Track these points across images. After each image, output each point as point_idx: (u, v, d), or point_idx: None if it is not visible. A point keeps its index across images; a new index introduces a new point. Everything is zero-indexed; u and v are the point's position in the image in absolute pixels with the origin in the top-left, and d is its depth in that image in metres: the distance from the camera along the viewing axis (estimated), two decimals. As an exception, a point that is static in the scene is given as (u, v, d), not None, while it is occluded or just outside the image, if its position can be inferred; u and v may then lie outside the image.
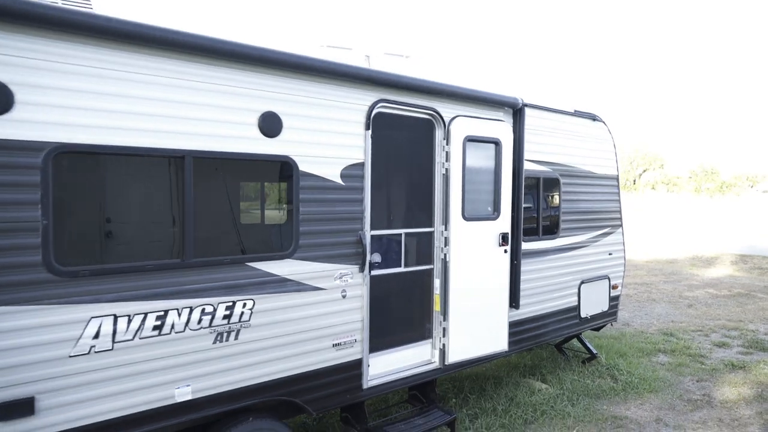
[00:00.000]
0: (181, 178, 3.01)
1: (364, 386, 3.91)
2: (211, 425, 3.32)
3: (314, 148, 3.56)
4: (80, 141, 2.68)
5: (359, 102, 3.79)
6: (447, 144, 4.29)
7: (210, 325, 3.14)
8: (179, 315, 3.02)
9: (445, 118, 4.32)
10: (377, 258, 4.07)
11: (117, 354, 2.83)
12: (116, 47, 2.79)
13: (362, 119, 3.81)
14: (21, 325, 2.54)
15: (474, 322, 4.50)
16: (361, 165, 3.82)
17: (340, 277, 3.73)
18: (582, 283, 5.82)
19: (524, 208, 5.12)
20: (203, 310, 3.11)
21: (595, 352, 6.46)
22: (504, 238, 4.65)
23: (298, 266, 3.51)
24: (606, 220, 6.11)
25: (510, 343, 4.90)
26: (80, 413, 2.73)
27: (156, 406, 2.97)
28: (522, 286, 5.07)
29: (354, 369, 3.84)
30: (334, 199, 3.68)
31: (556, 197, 5.50)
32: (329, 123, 3.63)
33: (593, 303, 6.00)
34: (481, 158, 4.57)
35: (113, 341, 2.81)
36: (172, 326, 3.00)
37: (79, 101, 2.68)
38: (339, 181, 3.70)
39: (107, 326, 2.79)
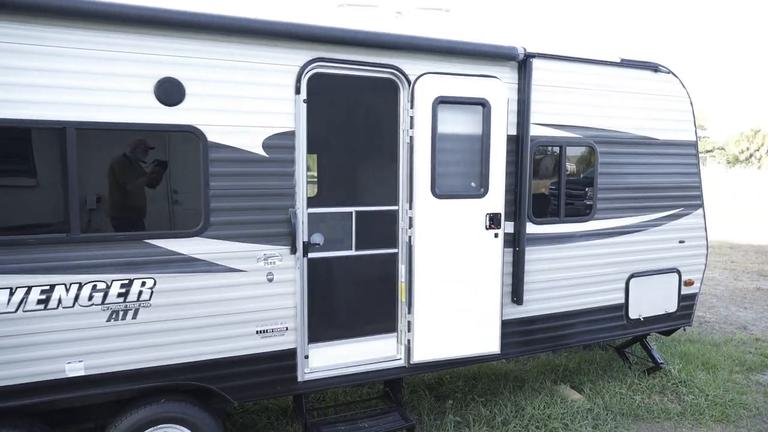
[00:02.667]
0: (64, 151, 2.92)
1: (300, 379, 3.57)
2: (127, 403, 3.28)
3: (227, 117, 3.24)
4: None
5: (284, 62, 3.35)
6: (411, 107, 3.64)
7: (103, 303, 3.05)
8: (67, 290, 2.98)
9: (410, 78, 3.66)
10: (318, 239, 3.64)
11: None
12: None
13: (291, 82, 3.37)
14: None
15: (449, 316, 3.85)
16: (291, 134, 3.40)
17: (265, 259, 3.40)
18: (632, 276, 4.69)
19: (536, 183, 4.23)
20: (94, 286, 3.03)
21: (660, 361, 5.23)
22: (493, 219, 3.87)
23: (208, 245, 3.26)
24: (674, 198, 4.82)
25: (505, 345, 4.13)
26: (-37, 379, 2.84)
27: (45, 378, 2.98)
28: (530, 277, 4.22)
29: (285, 359, 3.52)
30: (255, 173, 3.34)
31: (590, 170, 4.45)
32: (245, 88, 3.27)
33: (651, 302, 4.82)
34: (460, 123, 3.82)
35: (-6, 313, 2.86)
36: (59, 301, 2.97)
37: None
38: (261, 152, 3.34)
39: (-13, 298, 2.84)
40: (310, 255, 3.60)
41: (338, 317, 3.76)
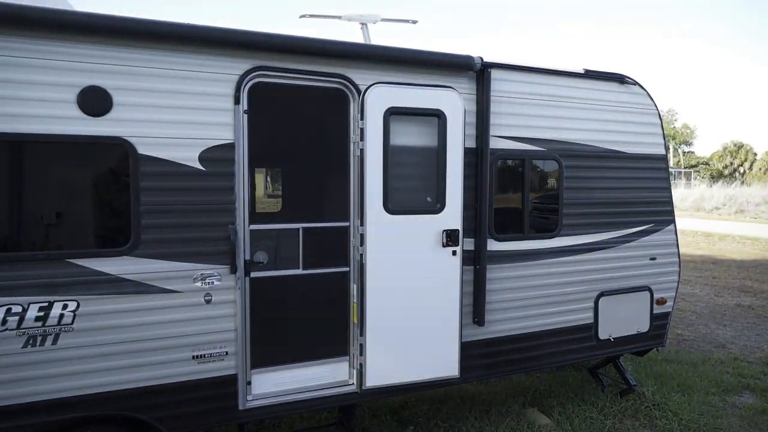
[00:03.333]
0: (-25, 164, 2.72)
1: (241, 407, 3.33)
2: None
3: (159, 128, 3.05)
4: None
5: (223, 71, 3.17)
6: (361, 119, 3.47)
7: (18, 327, 2.82)
8: (-23, 314, 2.75)
9: (360, 88, 3.50)
10: (261, 258, 3.43)
11: None
12: None
13: (230, 92, 3.19)
14: None
15: (404, 339, 3.64)
16: (231, 147, 3.21)
17: (203, 279, 3.19)
18: (601, 295, 4.51)
19: (499, 198, 4.06)
20: (9, 309, 2.80)
21: (633, 383, 5.03)
22: (450, 236, 3.69)
23: (138, 265, 3.04)
24: (644, 214, 4.67)
25: (466, 368, 3.92)
26: None
27: (-48, 411, 2.74)
28: (492, 297, 4.03)
29: (225, 386, 3.28)
30: (191, 187, 3.14)
31: (554, 184, 4.29)
32: (180, 98, 3.08)
33: (622, 322, 4.63)
34: (415, 135, 3.66)
35: None
36: (-32, 326, 2.74)
37: None
38: (197, 166, 3.14)
39: None
40: (253, 274, 3.39)
41: (285, 340, 3.54)
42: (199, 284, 3.18)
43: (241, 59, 3.20)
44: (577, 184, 4.34)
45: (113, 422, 3.12)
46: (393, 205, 3.55)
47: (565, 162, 4.27)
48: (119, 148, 2.97)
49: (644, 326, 4.75)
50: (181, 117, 3.09)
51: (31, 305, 2.84)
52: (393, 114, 3.51)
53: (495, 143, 3.96)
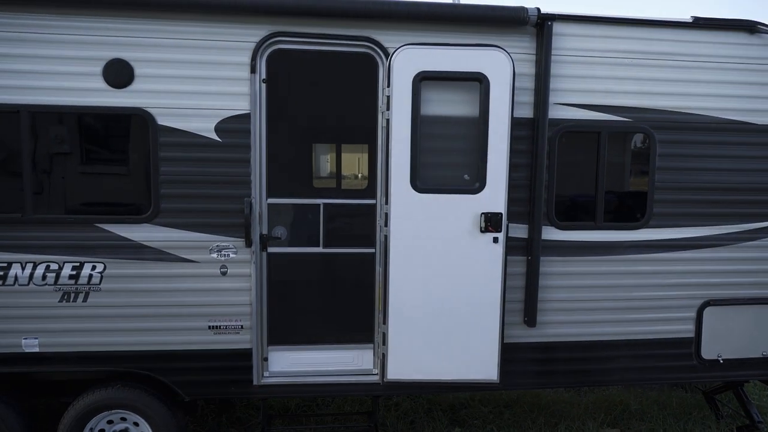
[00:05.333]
0: (18, 134, 3.01)
1: (255, 383, 3.30)
2: (89, 383, 3.32)
3: (178, 99, 3.08)
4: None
5: (239, 39, 3.08)
6: (388, 86, 3.13)
7: (55, 283, 3.10)
8: (23, 269, 3.07)
9: (389, 51, 3.15)
10: (280, 232, 3.31)
11: (-36, 297, 3.07)
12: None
13: (246, 60, 3.09)
14: None
15: (431, 332, 3.26)
16: (246, 117, 3.12)
17: (219, 251, 3.19)
18: (707, 304, 3.58)
19: (563, 178, 3.41)
20: (48, 266, 3.09)
21: (758, 418, 3.94)
22: (491, 220, 3.18)
23: (158, 232, 3.14)
24: (781, 204, 3.57)
25: (509, 374, 3.40)
26: (-65, 343, 3.08)
27: (4, 351, 3.12)
28: (550, 295, 3.43)
29: (240, 360, 3.27)
30: (208, 158, 3.13)
31: (644, 162, 3.46)
32: (197, 68, 3.07)
33: (739, 340, 3.64)
34: (451, 103, 3.19)
35: (-41, 285, 3.06)
36: (16, 278, 3.07)
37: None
38: (214, 136, 3.12)
39: (-47, 270, 3.04)
40: (272, 250, 3.30)
41: (309, 321, 3.41)
42: (215, 255, 3.19)
43: (256, 26, 3.07)
44: (677, 163, 3.46)
45: (139, 380, 3.30)
46: (422, 182, 3.17)
47: (660, 135, 3.42)
48: (140, 118, 3.07)
49: (774, 349, 3.68)
50: (198, 87, 3.08)
51: (66, 264, 3.10)
52: (424, 79, 3.11)
53: (559, 112, 3.32)
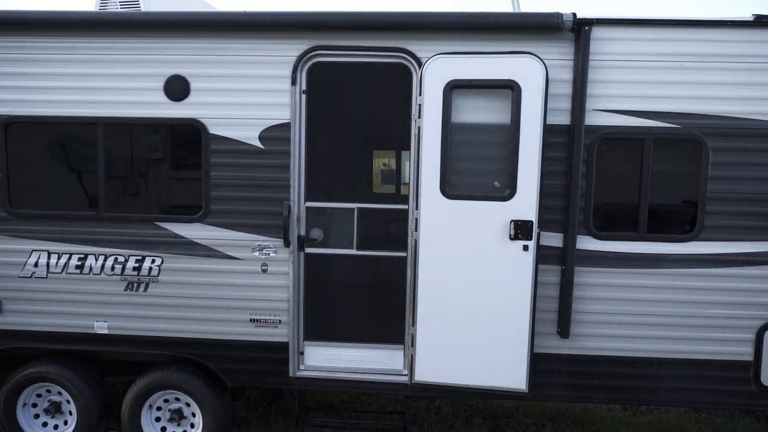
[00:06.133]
0: (95, 142, 3.45)
1: (291, 374, 3.51)
2: (150, 365, 3.71)
3: (227, 110, 3.37)
4: (27, 113, 3.45)
5: (281, 54, 3.31)
6: (420, 94, 3.21)
7: (122, 274, 3.51)
8: (96, 260, 3.51)
9: (423, 61, 3.24)
10: (316, 234, 3.50)
11: (50, 282, 3.56)
12: (47, 35, 3.40)
13: (287, 73, 3.31)
14: (-13, 248, 3.56)
15: (459, 337, 3.29)
16: (287, 126, 3.35)
17: (260, 250, 3.44)
18: (768, 326, 3.30)
19: (604, 186, 3.31)
20: (116, 259, 3.51)
21: (835, 457, 3.55)
22: (520, 228, 3.16)
23: (208, 231, 3.45)
24: None
25: (540, 385, 3.35)
26: (27, 320, 3.60)
27: (80, 330, 3.57)
28: (586, 306, 3.34)
29: (278, 352, 3.50)
30: (252, 164, 3.39)
31: (695, 171, 3.25)
32: (244, 81, 3.34)
33: (807, 367, 3.31)
34: (483, 111, 3.21)
35: (47, 271, 3.55)
36: (91, 268, 3.52)
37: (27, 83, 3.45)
38: (258, 144, 3.38)
39: (43, 259, 3.54)
40: (310, 250, 3.50)
41: (343, 319, 3.57)
42: (257, 254, 3.45)
43: (296, 41, 3.29)
44: (733, 172, 3.22)
45: (191, 365, 3.62)
46: (451, 188, 3.22)
47: (712, 142, 3.20)
48: (195, 128, 3.39)
49: None
50: (245, 99, 3.35)
51: (130, 257, 3.50)
52: (455, 87, 3.16)
53: (599, 118, 3.22)
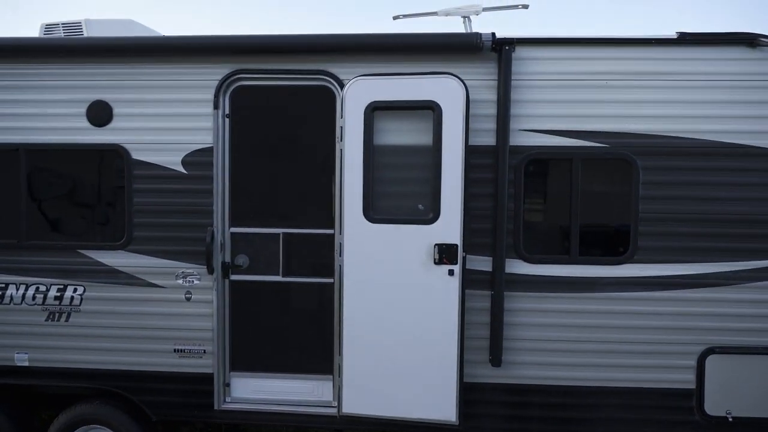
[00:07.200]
0: (17, 169, 3.39)
1: (217, 407, 3.37)
2: (73, 398, 3.58)
3: (149, 135, 3.32)
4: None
5: (203, 78, 3.27)
6: (341, 117, 3.16)
7: (43, 303, 3.41)
8: (17, 289, 3.42)
9: (345, 83, 3.19)
10: (242, 261, 3.40)
11: (-29, 313, 3.46)
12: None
13: (209, 97, 3.27)
14: None
15: (386, 367, 3.15)
16: (210, 150, 3.29)
17: (184, 277, 3.34)
18: (710, 352, 3.15)
19: (533, 208, 3.22)
20: (37, 288, 3.41)
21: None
22: (445, 252, 3.06)
23: (130, 258, 3.36)
24: (799, 239, 3.08)
25: (471, 416, 3.20)
26: (-53, 353, 3.48)
27: (1, 364, 3.46)
28: (519, 333, 3.21)
29: (202, 384, 3.36)
30: (175, 189, 3.32)
31: (626, 191, 3.16)
32: (167, 106, 3.30)
33: (753, 395, 3.15)
34: (406, 133, 3.14)
35: (-32, 302, 3.45)
36: (11, 298, 3.42)
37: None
38: (180, 169, 3.32)
39: (-37, 289, 3.45)
40: (235, 277, 3.40)
41: (272, 348, 3.43)
42: (180, 281, 3.35)
43: (217, 65, 3.25)
44: (666, 191, 3.12)
45: (116, 399, 3.49)
46: (375, 212, 3.13)
47: (643, 161, 3.11)
48: (117, 153, 3.34)
49: (801, 410, 3.13)
50: (168, 124, 3.30)
51: (52, 286, 3.40)
52: (377, 109, 3.10)
53: (526, 138, 3.15)
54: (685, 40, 3.08)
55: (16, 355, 3.45)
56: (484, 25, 4.50)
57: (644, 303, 3.16)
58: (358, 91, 3.11)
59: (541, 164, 3.20)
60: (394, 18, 5.49)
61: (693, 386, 3.17)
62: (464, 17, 4.48)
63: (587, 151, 3.13)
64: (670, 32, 3.11)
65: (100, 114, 3.32)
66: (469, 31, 4.06)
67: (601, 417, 3.22)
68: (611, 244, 3.20)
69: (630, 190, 3.13)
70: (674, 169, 3.11)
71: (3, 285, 3.42)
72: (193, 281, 3.34)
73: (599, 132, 3.13)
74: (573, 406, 3.22)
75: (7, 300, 3.42)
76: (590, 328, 3.19)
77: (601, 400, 3.21)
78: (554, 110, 3.14)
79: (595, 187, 3.19)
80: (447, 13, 4.73)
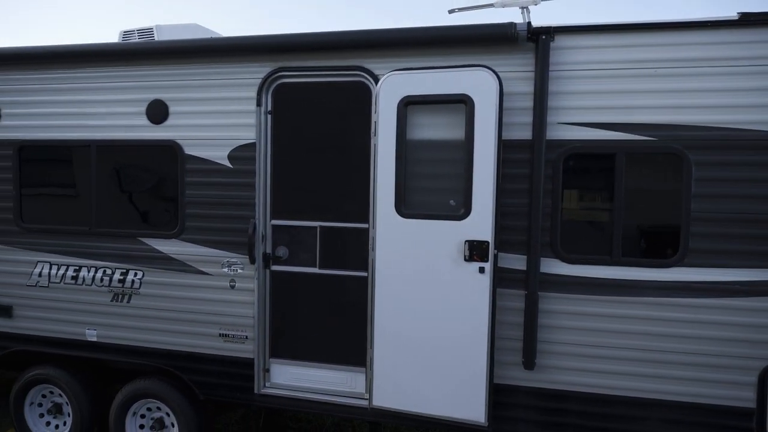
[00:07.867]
0: (89, 163, 3.76)
1: (257, 391, 3.53)
2: (135, 374, 3.91)
3: (200, 131, 3.54)
4: (37, 137, 3.86)
5: (247, 77, 3.43)
6: (375, 111, 3.19)
7: (109, 285, 3.76)
8: (88, 271, 3.79)
9: (380, 78, 3.22)
10: (282, 252, 3.52)
11: (51, 291, 3.88)
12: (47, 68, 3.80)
13: (252, 95, 3.43)
14: (2, 259, 3.97)
15: (415, 362, 3.15)
16: (252, 146, 3.45)
17: (229, 266, 3.54)
18: (775, 368, 2.83)
19: (573, 206, 3.07)
20: (104, 271, 3.76)
21: None
22: (476, 249, 2.99)
23: (183, 247, 3.61)
24: None
25: (501, 418, 3.10)
26: (32, 325, 3.94)
27: (74, 337, 3.85)
28: (555, 336, 3.07)
29: (243, 368, 3.54)
30: (221, 183, 3.52)
31: (675, 188, 2.92)
32: (216, 104, 3.50)
33: (827, 420, 2.79)
34: (439, 127, 3.11)
35: (49, 281, 3.88)
36: (83, 279, 3.81)
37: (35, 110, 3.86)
38: (227, 163, 3.51)
39: (45, 269, 3.88)
40: (276, 268, 3.54)
41: (309, 337, 3.54)
42: (226, 270, 3.55)
43: (260, 63, 3.40)
44: (722, 189, 2.85)
45: (169, 376, 3.76)
46: (406, 207, 3.13)
47: (695, 156, 2.86)
48: (172, 149, 3.60)
49: None
50: (216, 120, 3.51)
51: (116, 270, 3.74)
52: (410, 104, 3.10)
53: (564, 132, 3.01)
54: (748, 21, 2.79)
55: (87, 330, 3.82)
56: (542, 17, 4.32)
57: (695, 310, 2.90)
58: (392, 85, 3.13)
59: (581, 159, 3.03)
60: (450, 12, 5.43)
61: (752, 405, 2.87)
62: (522, 8, 4.34)
63: (633, 145, 2.93)
64: (731, 13, 2.83)
65: (157, 112, 3.59)
66: (525, 20, 3.92)
67: (646, 430, 3.00)
68: (658, 246, 2.97)
69: (680, 187, 2.89)
70: (731, 164, 2.83)
71: (77, 267, 3.81)
72: (237, 270, 3.53)
73: (647, 124, 2.92)
74: (612, 417, 3.03)
75: (80, 281, 3.81)
76: (633, 335, 2.98)
77: (643, 412, 2.99)
78: (597, 102, 2.97)
79: (640, 184, 2.98)
80: (504, 5, 4.61)
